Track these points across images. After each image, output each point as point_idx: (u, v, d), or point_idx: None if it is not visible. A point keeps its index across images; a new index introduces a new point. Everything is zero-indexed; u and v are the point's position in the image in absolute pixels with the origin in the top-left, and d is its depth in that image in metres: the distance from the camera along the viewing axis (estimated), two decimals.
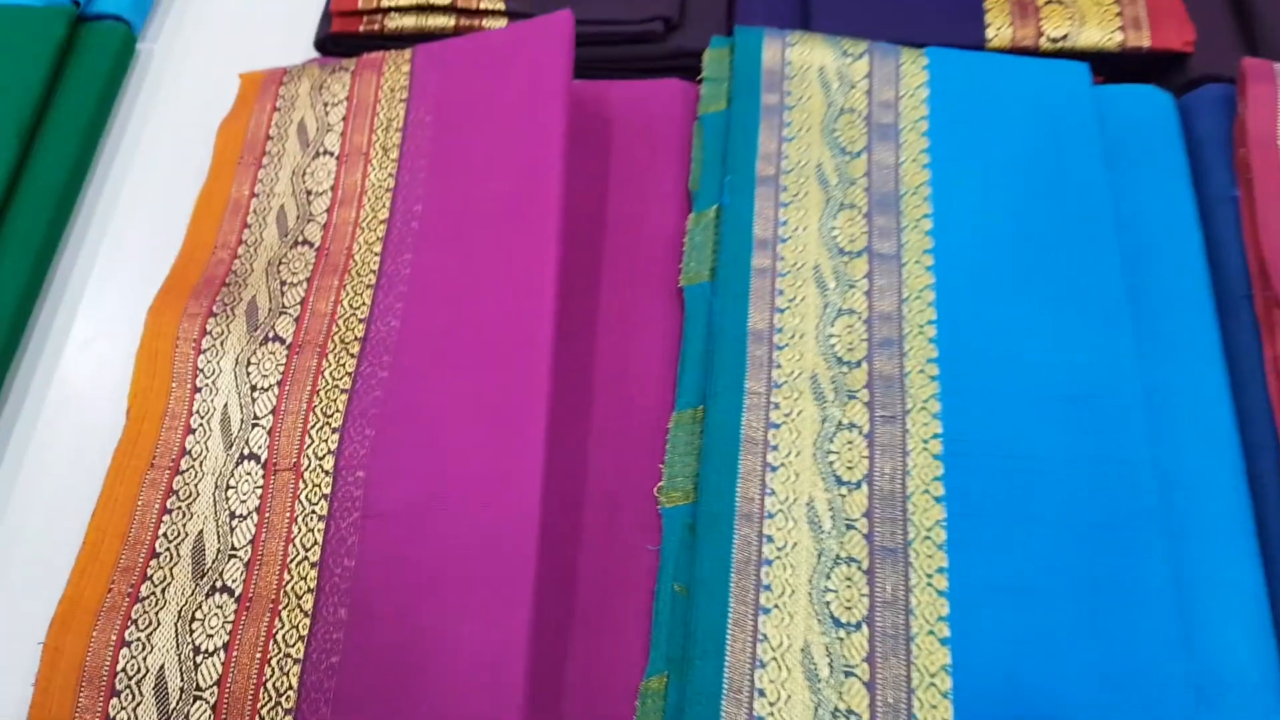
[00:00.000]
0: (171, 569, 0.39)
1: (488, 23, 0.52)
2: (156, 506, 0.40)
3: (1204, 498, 0.40)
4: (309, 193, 0.48)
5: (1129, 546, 0.38)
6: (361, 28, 0.53)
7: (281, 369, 0.43)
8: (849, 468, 0.40)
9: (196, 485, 0.41)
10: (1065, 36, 0.50)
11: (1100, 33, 0.50)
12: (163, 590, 0.38)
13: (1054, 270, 0.44)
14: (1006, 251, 0.45)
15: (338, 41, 0.54)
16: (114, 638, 0.37)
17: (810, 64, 0.49)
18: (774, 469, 0.40)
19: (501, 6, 0.52)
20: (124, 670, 0.36)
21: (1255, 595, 0.38)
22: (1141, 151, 0.48)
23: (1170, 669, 0.36)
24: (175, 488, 0.41)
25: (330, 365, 0.43)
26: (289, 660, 0.37)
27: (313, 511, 0.40)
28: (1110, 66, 0.52)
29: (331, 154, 0.49)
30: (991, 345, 0.43)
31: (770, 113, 0.48)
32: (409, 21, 0.53)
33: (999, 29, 0.51)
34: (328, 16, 0.54)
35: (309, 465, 0.40)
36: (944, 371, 0.42)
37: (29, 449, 0.44)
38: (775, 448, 0.40)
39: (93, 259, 0.50)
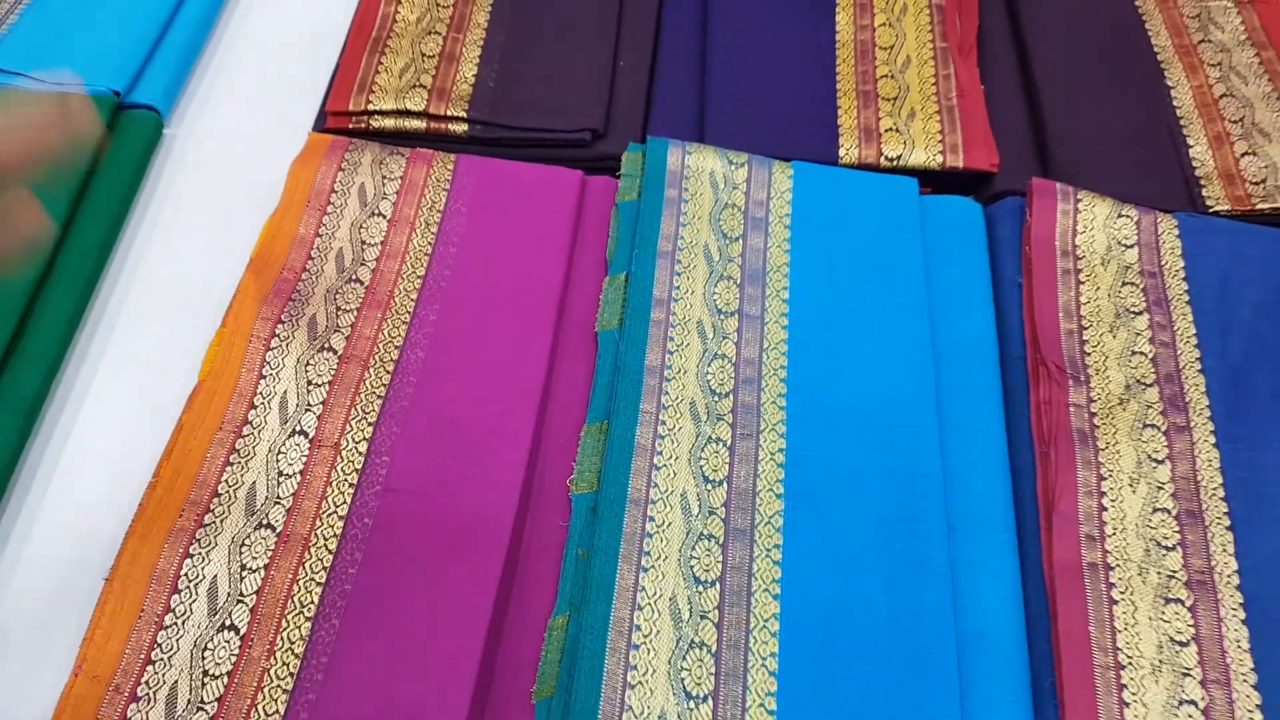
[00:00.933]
0: (229, 506, 0.50)
1: (452, 126, 0.66)
2: (221, 460, 0.52)
3: (979, 502, 0.53)
4: (363, 243, 0.61)
5: (919, 535, 0.51)
6: (350, 125, 0.66)
7: (333, 372, 0.55)
8: (714, 470, 0.53)
9: (254, 448, 0.52)
10: (899, 157, 0.66)
11: (926, 155, 0.66)
12: (220, 521, 0.49)
13: (877, 332, 0.58)
14: (843, 317, 0.59)
15: (330, 132, 0.67)
16: (180, 550, 0.48)
17: (703, 168, 0.63)
18: (658, 469, 0.52)
19: (464, 114, 0.66)
20: (185, 575, 0.48)
21: (1010, 573, 0.51)
22: (954, 247, 0.63)
23: (942, 621, 0.49)
24: (237, 447, 0.52)
25: (370, 376, 0.55)
26: (314, 584, 0.48)
27: (345, 480, 0.51)
28: (936, 179, 0.67)
29: (385, 217, 0.62)
30: (827, 384, 0.56)
31: (670, 204, 0.62)
32: (389, 123, 0.66)
33: (849, 149, 0.66)
34: (323, 114, 0.67)
35: (347, 446, 0.52)
36: (790, 403, 0.55)
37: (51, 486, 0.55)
38: (660, 453, 0.53)
39: (120, 309, 0.61)
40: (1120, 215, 0.63)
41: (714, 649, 0.47)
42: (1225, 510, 0.53)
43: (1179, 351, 0.58)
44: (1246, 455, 0.55)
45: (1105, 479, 0.53)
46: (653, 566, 0.49)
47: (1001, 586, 0.51)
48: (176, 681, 0.46)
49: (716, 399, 0.55)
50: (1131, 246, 0.62)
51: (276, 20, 0.75)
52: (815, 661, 0.48)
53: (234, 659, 0.46)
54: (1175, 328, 0.59)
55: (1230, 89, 0.70)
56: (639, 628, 0.48)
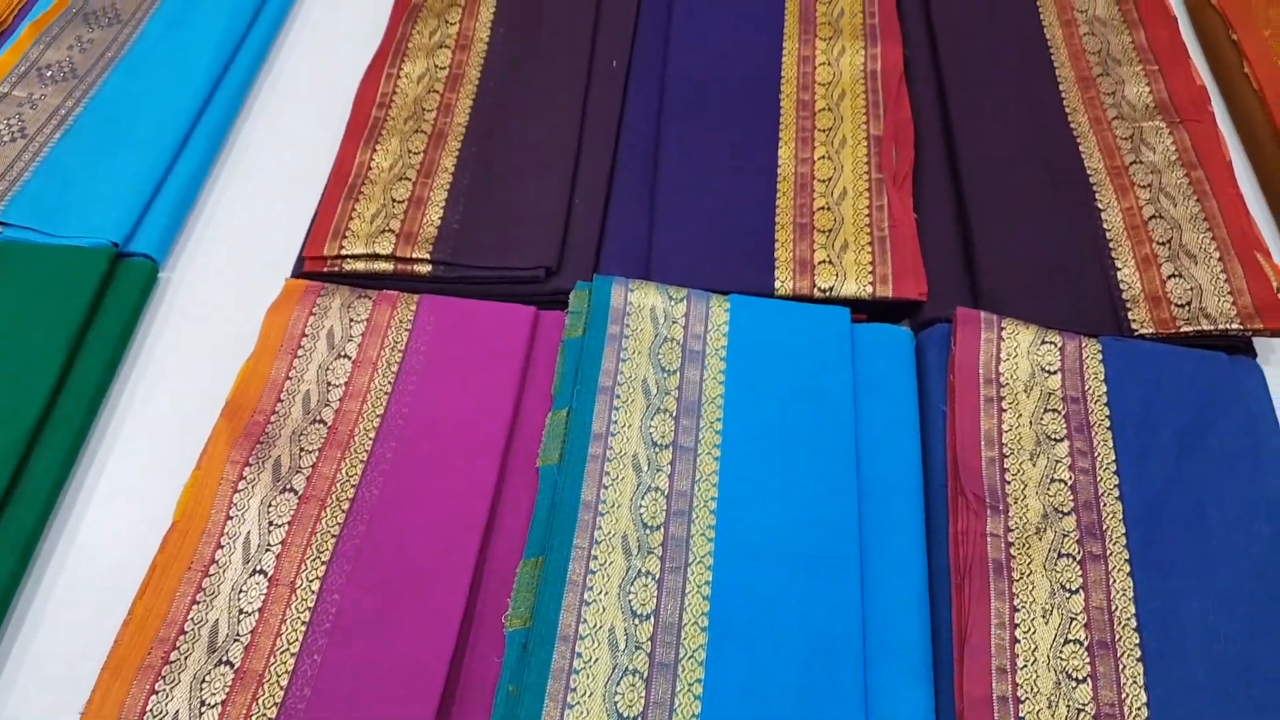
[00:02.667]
0: (194, 644, 0.54)
1: (418, 268, 0.71)
2: (189, 598, 0.56)
3: (898, 634, 0.56)
4: (329, 384, 0.66)
5: (836, 667, 0.54)
6: (325, 268, 0.72)
7: (293, 513, 0.59)
8: (642, 604, 0.56)
9: (219, 586, 0.56)
10: (831, 288, 0.69)
11: (857, 285, 0.69)
12: (185, 658, 0.54)
13: (805, 463, 0.61)
14: (773, 449, 0.62)
15: (307, 276, 0.73)
16: (147, 687, 0.52)
17: (645, 304, 0.68)
18: (588, 604, 0.56)
19: (428, 256, 0.71)
20: (151, 711, 0.52)
21: (924, 704, 0.53)
22: (883, 375, 0.66)
23: None
24: (204, 585, 0.56)
25: (326, 515, 0.59)
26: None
27: (299, 618, 0.55)
28: (873, 306, 0.70)
29: (350, 358, 0.67)
30: (755, 516, 0.59)
31: (612, 340, 0.66)
32: (361, 266, 0.72)
33: (784, 282, 0.70)
34: (301, 259, 0.73)
35: (301, 585, 0.56)
36: (719, 535, 0.58)
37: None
38: (590, 588, 0.56)
39: (110, 451, 0.66)
40: (1044, 341, 0.66)
41: None
42: (1137, 641, 0.55)
43: (1098, 479, 0.60)
44: (1161, 584, 0.57)
45: (1018, 610, 0.55)
46: (578, 703, 0.52)
47: (915, 717, 0.53)
48: None
49: (648, 532, 0.58)
50: (1055, 372, 0.65)
51: (267, 168, 0.82)
52: None
53: None
54: (1096, 454, 0.61)
55: (1159, 210, 0.73)
56: None
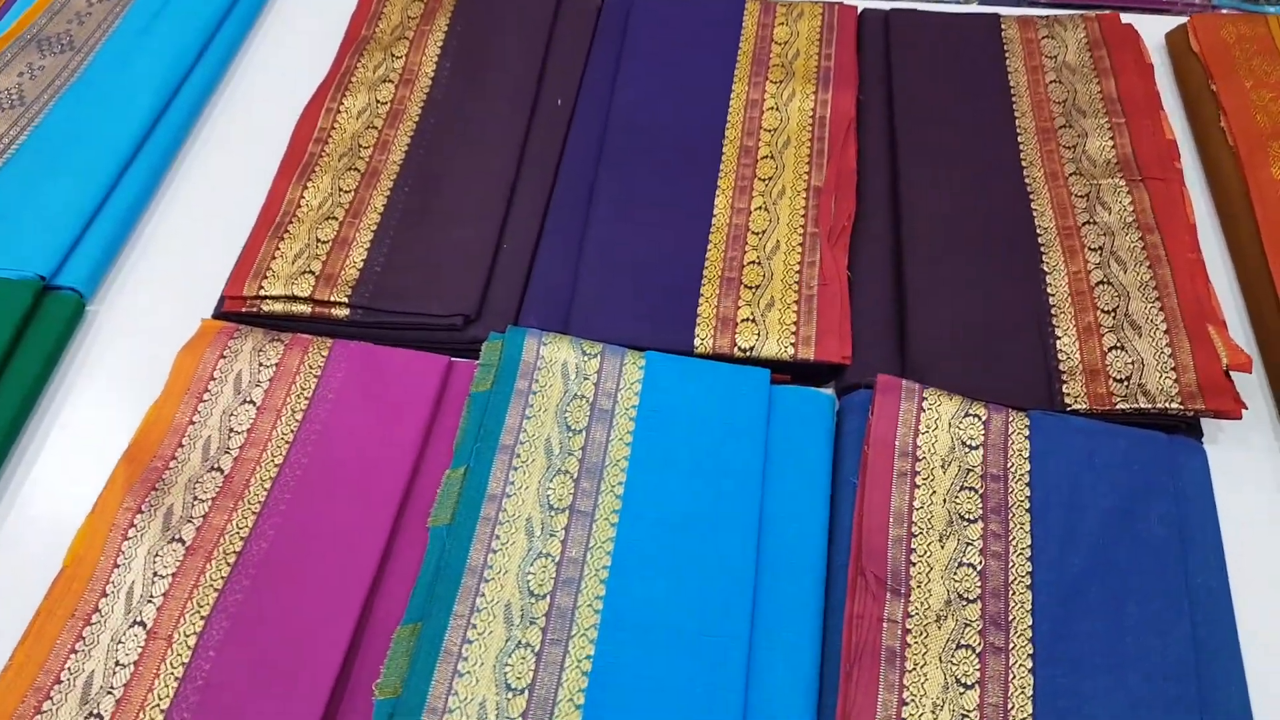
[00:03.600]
0: (67, 695, 0.54)
1: (335, 311, 0.70)
2: (68, 647, 0.55)
3: (782, 716, 0.53)
4: (231, 430, 0.65)
5: None
6: (244, 309, 0.71)
7: (178, 564, 0.58)
8: (518, 678, 0.54)
9: (99, 636, 0.56)
10: (752, 348, 0.67)
11: (778, 346, 0.67)
12: (56, 710, 0.53)
13: (704, 536, 0.59)
14: (673, 518, 0.59)
15: (227, 315, 0.72)
16: None
17: (556, 359, 0.66)
18: (461, 675, 0.54)
19: (346, 299, 0.70)
20: None
21: None
22: (798, 442, 0.63)
23: None
24: (84, 635, 0.56)
25: (211, 569, 0.58)
26: None
27: (172, 673, 0.54)
28: (796, 368, 0.68)
29: (255, 404, 0.66)
30: (646, 589, 0.57)
31: (519, 395, 0.64)
32: (279, 307, 0.71)
33: (704, 339, 0.67)
34: (222, 299, 0.72)
35: (178, 639, 0.55)
36: (606, 607, 0.56)
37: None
38: (465, 659, 0.54)
39: (24, 479, 0.66)
40: (968, 414, 0.63)
41: None
42: None
43: (1010, 564, 0.57)
44: (1066, 682, 0.54)
45: (907, 704, 0.53)
46: None
47: None
48: None
49: (533, 600, 0.57)
50: (976, 448, 0.62)
51: (206, 204, 0.81)
52: None
53: None
54: (1010, 538, 0.58)
55: (1108, 275, 0.69)
56: None
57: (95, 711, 0.53)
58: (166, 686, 0.54)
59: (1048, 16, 0.88)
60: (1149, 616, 0.55)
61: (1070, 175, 0.76)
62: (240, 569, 0.58)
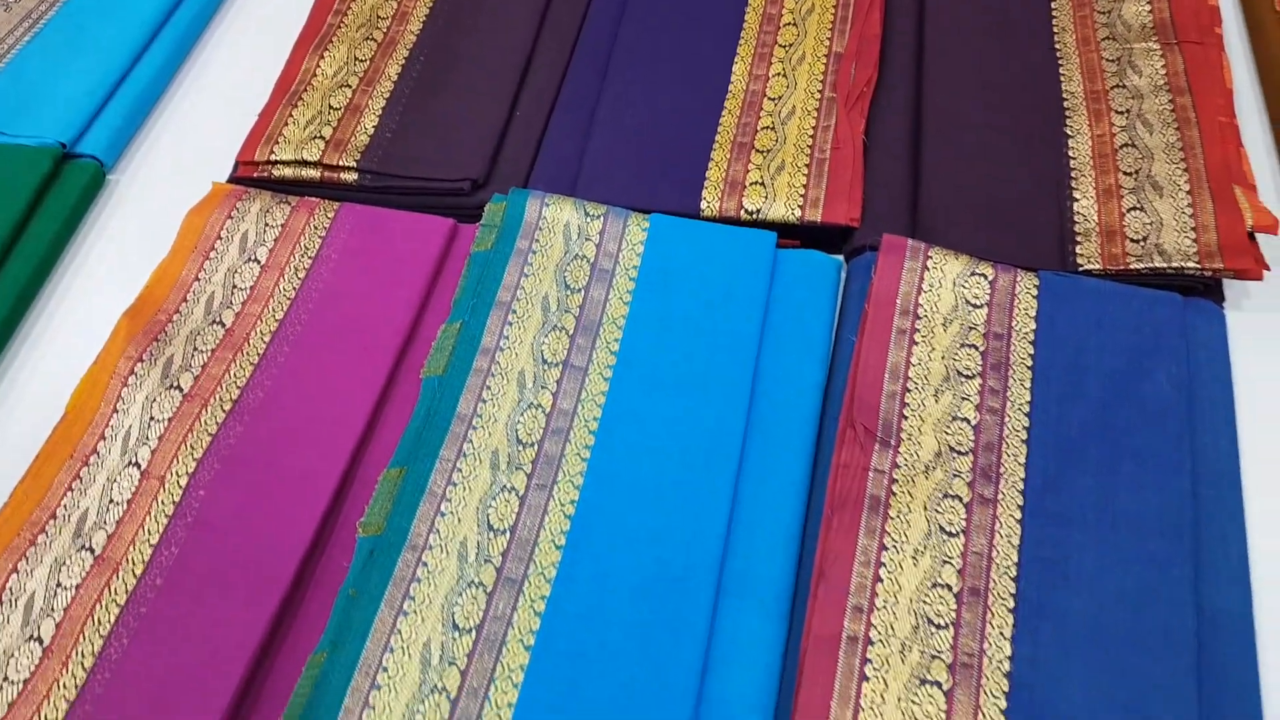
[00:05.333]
0: (61, 529, 0.56)
1: (344, 176, 0.71)
2: (65, 485, 0.57)
3: (761, 566, 0.53)
4: (234, 287, 0.66)
5: (684, 594, 0.51)
6: (256, 174, 0.72)
7: (175, 409, 0.60)
8: (500, 519, 0.55)
9: (95, 476, 0.58)
10: (759, 210, 0.65)
11: (785, 209, 0.65)
12: (50, 542, 0.55)
13: (697, 391, 0.58)
14: (667, 373, 0.59)
15: (240, 181, 0.73)
16: (10, 566, 0.54)
17: (559, 220, 0.65)
18: (443, 515, 0.55)
19: (355, 164, 0.70)
20: (9, 589, 0.53)
21: (772, 640, 0.51)
22: (801, 303, 0.62)
23: (685, 687, 0.49)
24: (81, 474, 0.58)
25: (206, 415, 0.60)
26: (114, 605, 0.53)
27: (163, 510, 0.56)
28: (813, 232, 0.66)
29: (259, 262, 0.67)
30: (635, 439, 0.57)
31: (519, 254, 0.64)
32: (289, 172, 0.71)
33: (710, 202, 0.66)
34: (236, 165, 0.73)
35: (170, 479, 0.57)
36: (594, 456, 0.57)
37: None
38: (449, 500, 0.55)
39: (42, 336, 0.68)
40: (974, 274, 0.61)
41: (453, 695, 0.49)
42: (1013, 591, 0.51)
43: (1006, 419, 0.56)
44: (1053, 533, 0.52)
45: (887, 549, 0.52)
46: (414, 611, 0.52)
47: (760, 655, 0.50)
48: None
49: (521, 448, 0.57)
50: (981, 306, 0.60)
51: (228, 77, 0.82)
52: (550, 715, 0.49)
53: (33, 667, 0.51)
54: (1008, 394, 0.57)
55: (1133, 138, 0.66)
56: (385, 669, 0.50)
57: (88, 545, 0.55)
58: (157, 523, 0.56)
59: None
60: (1146, 474, 0.54)
61: (1103, 40, 0.72)
62: (235, 415, 0.60)
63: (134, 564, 0.54)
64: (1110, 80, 0.70)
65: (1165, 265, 0.60)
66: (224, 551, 0.54)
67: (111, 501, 0.57)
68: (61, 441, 0.59)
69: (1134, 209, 0.63)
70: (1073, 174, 0.65)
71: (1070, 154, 0.66)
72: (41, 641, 0.52)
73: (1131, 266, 0.61)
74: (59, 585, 0.54)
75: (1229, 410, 0.57)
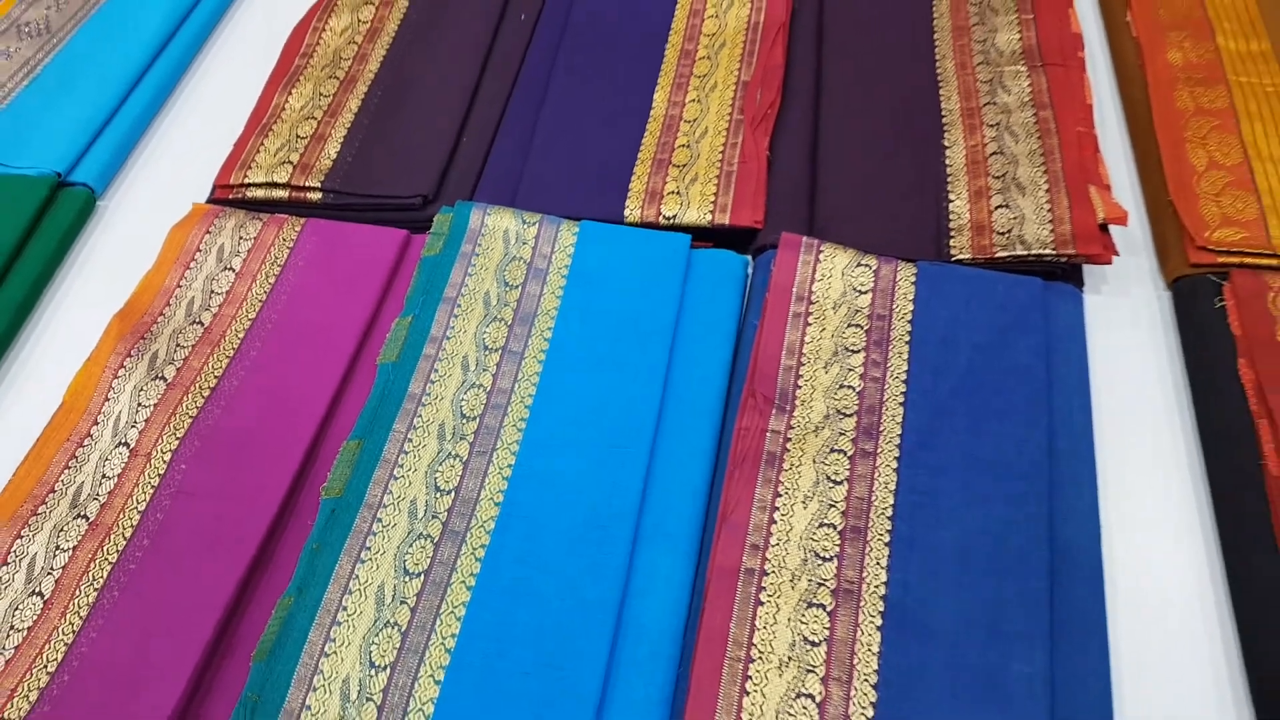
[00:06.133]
0: (59, 500, 0.63)
1: (310, 195, 0.79)
2: (62, 465, 0.65)
3: (674, 518, 0.61)
4: (212, 292, 0.74)
5: (606, 541, 0.59)
6: (231, 195, 0.80)
7: (160, 396, 0.68)
8: (446, 481, 0.62)
9: (89, 455, 0.65)
10: (675, 215, 0.74)
11: (698, 213, 0.74)
12: (50, 511, 0.62)
13: (619, 369, 0.66)
14: (593, 355, 0.67)
15: (218, 202, 0.81)
16: (14, 533, 0.61)
17: (499, 227, 0.74)
18: (395, 479, 0.62)
19: (319, 184, 0.79)
20: (14, 552, 0.61)
21: (682, 578, 0.58)
22: (710, 295, 0.71)
23: (604, 617, 0.56)
24: (76, 454, 0.65)
25: (188, 400, 0.67)
26: (106, 563, 0.60)
27: (149, 483, 0.64)
28: (716, 235, 0.75)
29: (234, 271, 0.75)
30: (564, 412, 0.65)
31: (464, 257, 0.73)
32: (261, 194, 0.80)
33: (633, 210, 0.75)
34: (214, 188, 0.82)
35: (155, 455, 0.65)
36: (529, 427, 0.65)
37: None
38: (401, 465, 0.63)
39: (33, 351, 0.76)
40: (860, 265, 0.70)
41: (404, 628, 0.57)
42: (889, 529, 0.59)
43: (886, 386, 0.64)
44: (926, 480, 0.60)
45: (780, 495, 0.60)
46: (370, 559, 0.59)
47: (671, 590, 0.58)
48: None
49: (465, 421, 0.65)
50: (866, 292, 0.69)
51: (210, 112, 0.91)
52: (488, 642, 0.56)
53: (35, 617, 0.59)
54: (888, 365, 0.65)
55: (1001, 147, 0.76)
56: (345, 608, 0.57)
57: (83, 514, 0.63)
58: (144, 493, 0.63)
59: None
60: (1007, 428, 0.62)
61: (978, 64, 0.82)
62: (212, 400, 0.67)
63: (123, 528, 0.62)
64: (984, 98, 0.79)
65: (1026, 253, 0.69)
66: (203, 516, 0.62)
67: (104, 476, 0.64)
68: (59, 427, 0.67)
69: (1000, 207, 0.72)
70: (948, 179, 0.75)
71: (947, 162, 0.76)
72: (43, 596, 0.59)
73: (997, 255, 0.70)
74: (58, 548, 0.61)
75: (1083, 376, 0.66)
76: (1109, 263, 0.69)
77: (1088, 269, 0.72)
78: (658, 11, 0.90)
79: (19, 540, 0.61)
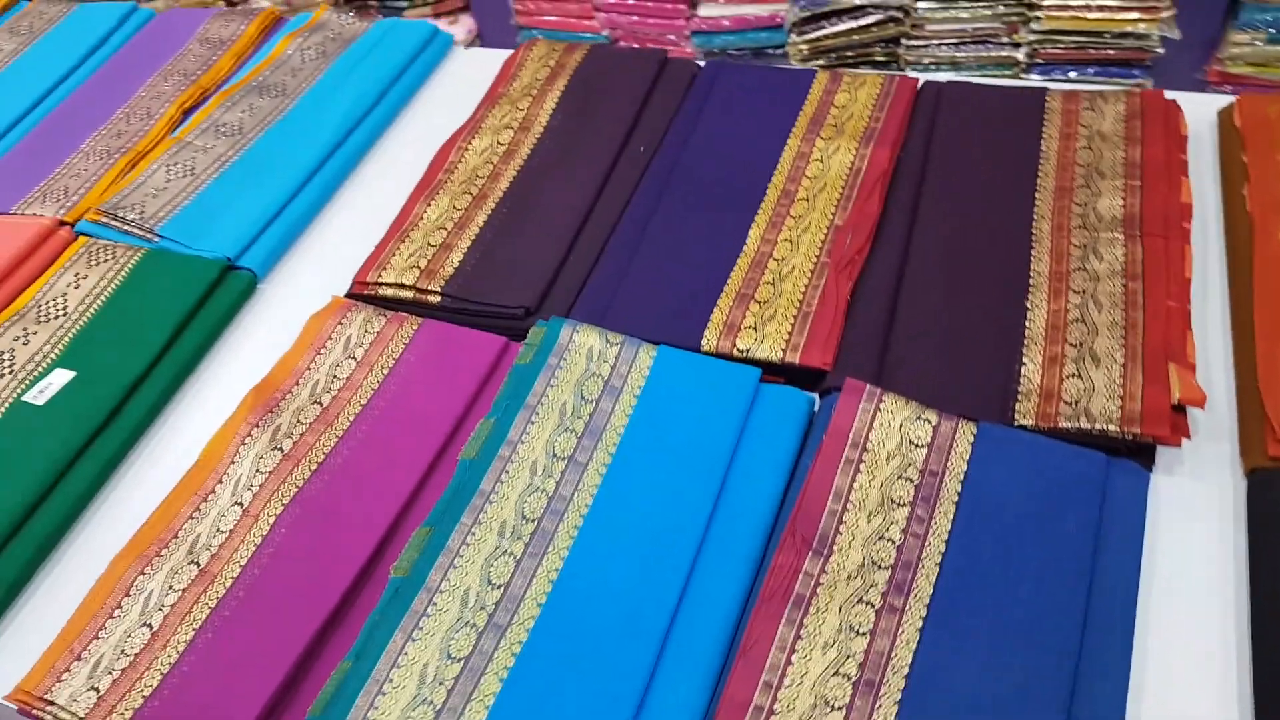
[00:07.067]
0: (179, 546, 0.73)
1: (430, 298, 0.89)
2: (187, 515, 0.75)
3: (699, 644, 0.64)
4: (334, 377, 0.84)
5: (628, 656, 0.63)
6: (366, 291, 0.91)
7: (275, 465, 0.77)
8: (499, 576, 0.68)
9: (210, 510, 0.75)
10: (749, 349, 0.79)
11: (769, 350, 0.78)
12: (171, 554, 0.72)
13: (672, 492, 0.71)
14: (651, 475, 0.72)
15: (354, 296, 0.92)
16: (139, 569, 0.72)
17: (584, 344, 0.80)
18: (455, 567, 0.69)
19: (439, 289, 0.88)
20: (136, 585, 0.71)
21: (697, 705, 0.61)
22: (771, 429, 0.74)
23: None
24: (200, 507, 0.75)
25: (297, 472, 0.77)
26: (207, 606, 0.69)
27: (252, 541, 0.73)
28: (788, 372, 0.79)
29: (355, 359, 0.85)
30: (616, 527, 0.70)
31: (548, 369, 0.79)
32: (390, 292, 0.90)
33: (710, 339, 0.80)
34: (352, 284, 0.92)
35: (262, 517, 0.74)
36: (580, 535, 0.70)
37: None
38: (461, 555, 0.69)
39: (192, 405, 0.88)
40: (920, 418, 0.71)
41: (438, 707, 0.62)
42: (902, 687, 0.60)
43: (926, 543, 0.66)
44: (949, 641, 0.61)
45: (802, 639, 0.62)
46: (420, 639, 0.65)
47: (683, 714, 0.61)
48: (104, 654, 0.68)
49: (524, 523, 0.71)
50: (922, 447, 0.70)
51: (364, 214, 1.03)
52: None
53: (142, 645, 0.68)
54: (933, 522, 0.67)
55: (1083, 315, 0.76)
56: (391, 680, 0.64)
57: (196, 560, 0.72)
58: (247, 549, 0.72)
59: (1094, 91, 0.96)
60: (1043, 598, 0.62)
61: (1075, 228, 0.83)
62: (318, 474, 0.76)
63: (225, 579, 0.70)
64: (1074, 264, 0.80)
65: (1090, 426, 0.69)
66: (292, 576, 0.70)
67: (219, 530, 0.74)
68: (191, 480, 0.77)
69: (1072, 375, 0.72)
70: (1025, 342, 0.76)
71: (1027, 324, 0.77)
72: (151, 628, 0.69)
73: (1060, 425, 0.70)
74: (170, 588, 0.70)
75: (1135, 557, 0.65)
76: (1178, 444, 0.68)
77: (1165, 449, 0.71)
78: (766, 152, 0.95)
79: (141, 576, 0.71)
